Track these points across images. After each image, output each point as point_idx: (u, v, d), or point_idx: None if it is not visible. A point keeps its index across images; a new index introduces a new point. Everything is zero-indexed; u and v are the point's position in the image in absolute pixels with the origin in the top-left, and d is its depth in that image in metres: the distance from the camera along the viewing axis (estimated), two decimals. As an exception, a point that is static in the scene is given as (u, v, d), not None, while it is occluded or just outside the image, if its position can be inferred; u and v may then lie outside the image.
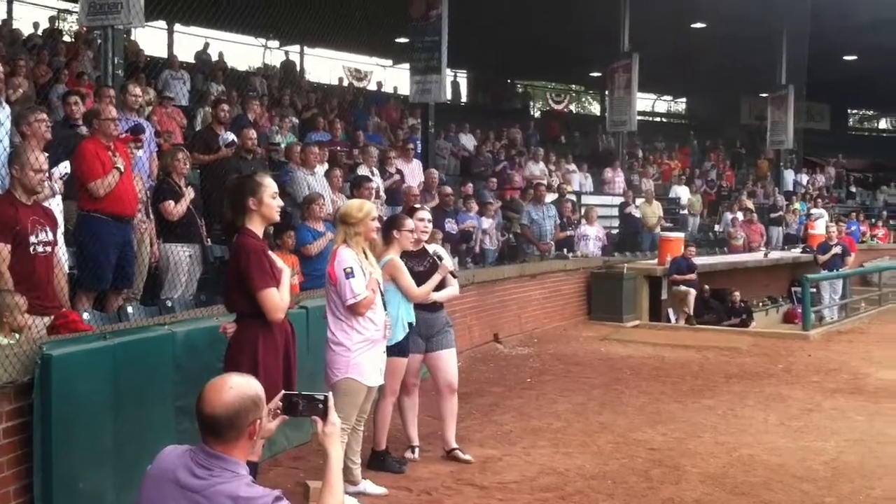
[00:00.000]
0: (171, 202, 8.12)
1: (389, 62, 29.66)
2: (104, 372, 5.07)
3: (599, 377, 10.28)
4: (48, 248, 5.89)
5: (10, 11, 20.01)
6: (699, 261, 16.18)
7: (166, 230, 8.18)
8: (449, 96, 20.72)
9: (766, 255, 19.56)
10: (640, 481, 6.49)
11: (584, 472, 6.67)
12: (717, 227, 22.64)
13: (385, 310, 5.89)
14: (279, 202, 5.05)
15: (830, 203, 27.22)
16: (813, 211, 23.48)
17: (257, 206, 4.91)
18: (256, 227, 4.95)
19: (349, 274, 5.58)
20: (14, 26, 16.91)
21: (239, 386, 2.94)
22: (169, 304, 7.61)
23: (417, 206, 7.51)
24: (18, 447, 4.70)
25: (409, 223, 6.45)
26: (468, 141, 20.45)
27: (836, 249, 17.70)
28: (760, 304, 18.55)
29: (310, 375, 6.20)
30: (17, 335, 5.23)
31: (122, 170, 7.22)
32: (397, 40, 21.81)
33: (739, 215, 21.36)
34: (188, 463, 2.90)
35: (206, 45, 22.89)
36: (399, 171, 13.08)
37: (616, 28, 20.93)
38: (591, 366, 11.02)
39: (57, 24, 20.43)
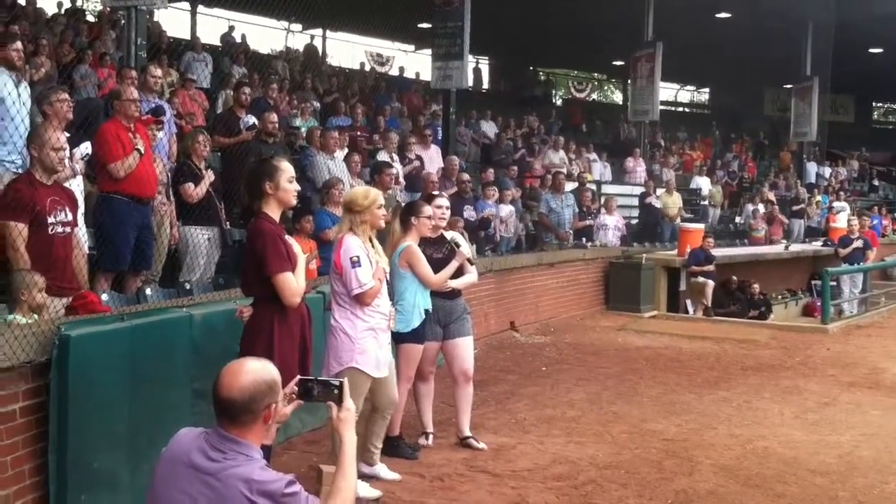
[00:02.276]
0: (191, 185, 8.16)
1: (412, 47, 29.62)
2: (121, 353, 5.09)
3: (615, 367, 10.28)
4: (67, 229, 5.92)
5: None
6: (718, 252, 16.12)
7: (186, 213, 8.21)
8: (471, 83, 20.68)
9: (786, 247, 19.48)
10: (653, 472, 6.49)
11: (597, 461, 6.67)
12: (738, 219, 22.53)
13: (392, 299, 5.87)
14: (296, 186, 5.04)
15: (853, 196, 27.02)
16: (835, 204, 23.32)
17: (274, 190, 4.91)
18: (273, 211, 4.95)
19: (355, 263, 5.53)
20: (38, 5, 16.93)
21: (255, 370, 2.96)
22: (187, 286, 7.64)
23: (436, 192, 7.49)
24: (34, 426, 4.73)
25: (428, 210, 6.43)
26: (489, 128, 20.42)
27: (858, 243, 17.55)
28: (780, 296, 18.47)
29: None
30: (35, 315, 5.27)
31: (143, 151, 7.23)
32: (420, 25, 21.80)
33: (761, 207, 21.24)
34: (203, 445, 2.92)
35: (232, 28, 22.93)
36: (419, 157, 13.07)
37: (640, 16, 20.84)
38: (606, 356, 11.01)
39: (81, 3, 20.50)
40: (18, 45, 7.39)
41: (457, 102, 16.31)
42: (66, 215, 5.91)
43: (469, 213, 12.62)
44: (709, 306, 15.30)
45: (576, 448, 6.99)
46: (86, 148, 7.30)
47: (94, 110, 8.18)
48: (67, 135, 6.72)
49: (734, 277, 16.39)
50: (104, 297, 6.49)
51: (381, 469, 6.07)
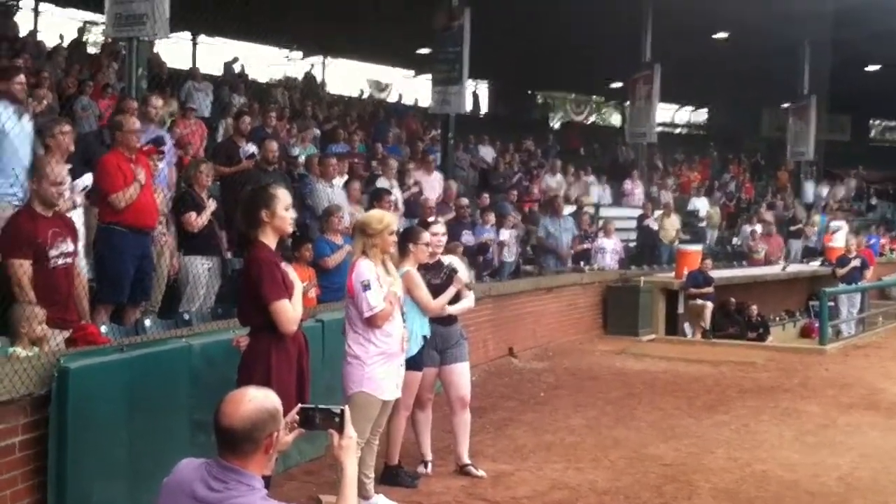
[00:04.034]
0: (194, 214, 8.18)
1: (411, 73, 29.78)
2: (121, 384, 5.12)
3: (613, 392, 10.29)
4: (68, 259, 5.96)
5: (35, 23, 20.22)
6: (716, 274, 16.12)
7: (186, 242, 8.25)
8: (469, 107, 20.78)
9: (784, 268, 19.48)
10: (652, 497, 6.50)
11: (596, 487, 6.68)
12: (735, 240, 22.55)
13: (403, 323, 5.94)
14: (292, 214, 5.07)
15: (851, 215, 27.04)
16: (832, 223, 23.30)
17: (270, 218, 4.91)
18: (269, 240, 4.95)
19: (366, 286, 5.60)
20: (38, 38, 17.07)
21: (257, 399, 2.95)
22: (186, 316, 7.65)
23: (432, 219, 7.54)
24: (33, 460, 4.74)
25: (426, 236, 6.46)
26: (487, 153, 20.50)
27: (856, 262, 17.59)
28: (778, 318, 18.46)
29: (326, 389, 6.24)
30: (35, 348, 5.30)
31: (143, 182, 7.28)
32: (419, 51, 21.95)
33: (758, 228, 21.27)
34: (204, 476, 2.92)
35: (235, 59, 23.02)
36: (417, 183, 13.13)
37: (637, 38, 20.94)
38: (605, 380, 11.02)
39: (84, 36, 20.64)
40: (21, 77, 7.44)
41: (455, 127, 16.38)
42: (67, 245, 5.94)
43: (467, 237, 12.66)
44: (707, 329, 15.30)
45: (575, 474, 7.00)
46: (87, 179, 7.36)
47: (91, 143, 8.23)
48: (69, 166, 6.79)
49: (732, 299, 16.41)
50: (103, 328, 6.51)
51: (381, 499, 6.06)
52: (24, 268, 5.62)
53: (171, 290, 8.23)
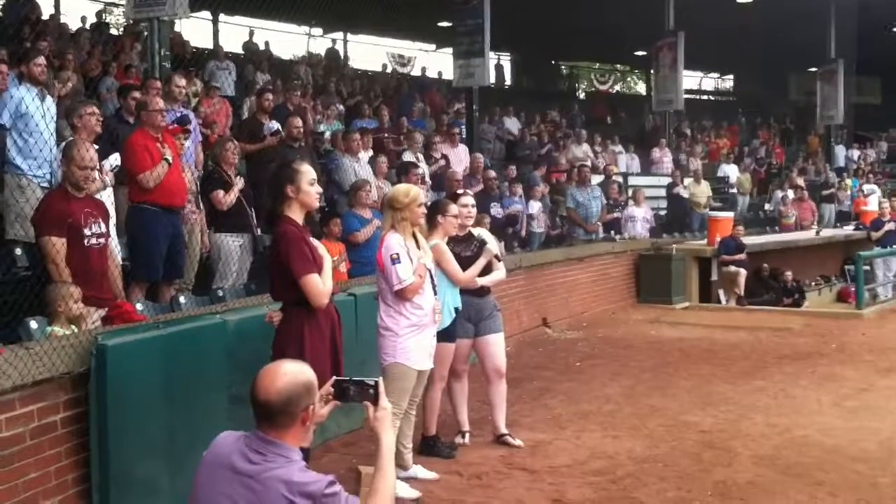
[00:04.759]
0: (221, 192, 8.21)
1: (433, 47, 29.64)
2: (158, 361, 5.15)
3: (649, 360, 10.22)
4: (101, 240, 6.00)
5: (57, 6, 20.24)
6: (749, 240, 15.99)
7: (217, 220, 8.28)
8: (493, 80, 20.65)
9: (817, 233, 19.28)
10: (691, 464, 6.45)
11: (634, 455, 6.64)
12: (767, 206, 22.34)
13: (435, 295, 5.92)
14: (318, 189, 5.07)
15: (883, 178, 26.72)
16: (865, 187, 23.08)
17: (295, 194, 4.94)
18: (296, 215, 4.98)
19: (395, 260, 5.63)
20: (61, 20, 17.10)
21: (292, 372, 2.98)
22: (220, 293, 7.69)
23: (461, 191, 7.51)
24: (75, 437, 4.79)
25: (454, 208, 6.44)
26: (513, 125, 20.39)
27: (890, 226, 17.41)
28: (813, 283, 18.31)
29: (360, 362, 6.25)
30: (73, 327, 5.33)
31: (171, 161, 7.30)
32: (440, 24, 21.81)
33: (790, 193, 21.06)
34: (243, 448, 2.95)
35: (252, 34, 23.03)
36: (444, 157, 13.08)
37: (660, 6, 20.72)
38: (640, 349, 10.95)
39: (104, 17, 20.68)
40: (42, 59, 7.49)
41: (479, 100, 16.30)
42: (99, 227, 5.98)
43: (496, 210, 12.63)
44: (742, 296, 15.18)
45: (613, 442, 6.96)
46: (115, 160, 7.38)
47: (111, 122, 8.24)
48: (97, 147, 6.80)
49: (766, 265, 16.29)
50: (139, 306, 6.55)
51: (419, 469, 6.09)
52: (57, 246, 5.65)
53: (204, 267, 8.28)
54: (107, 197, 6.97)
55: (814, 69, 27.14)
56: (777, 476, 6.19)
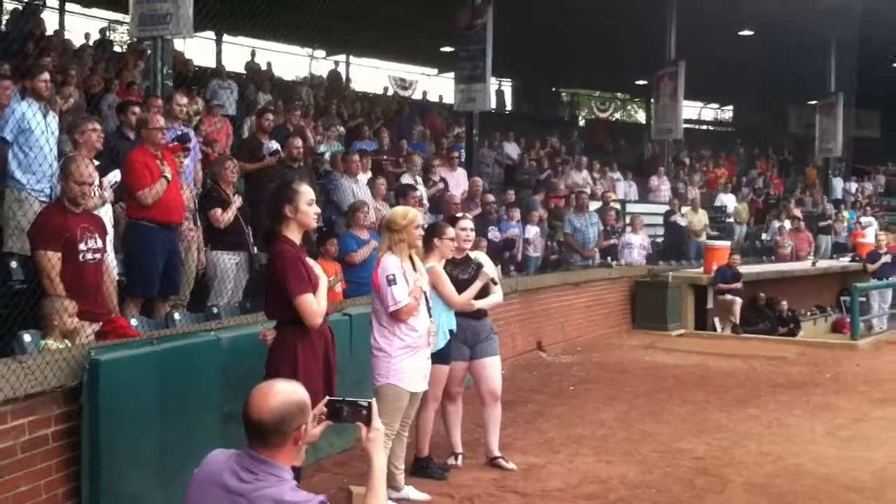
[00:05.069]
0: (219, 210, 8.25)
1: (435, 71, 29.78)
2: (151, 376, 5.16)
3: (643, 386, 10.22)
4: (97, 255, 6.01)
5: (61, 22, 20.37)
6: (745, 269, 16.03)
7: (213, 238, 8.30)
8: (493, 105, 20.75)
9: (814, 263, 19.33)
10: (683, 490, 6.44)
11: (627, 480, 6.64)
12: (764, 236, 22.38)
13: (430, 317, 5.93)
14: (316, 209, 5.10)
15: (880, 211, 26.80)
16: (862, 219, 23.15)
17: (294, 214, 4.97)
18: (293, 234, 5.01)
19: (391, 281, 5.65)
20: (65, 37, 17.18)
21: (285, 392, 2.97)
22: (215, 310, 7.71)
23: (459, 214, 7.54)
24: (67, 451, 4.79)
25: (450, 231, 6.47)
26: (512, 150, 20.47)
27: (886, 258, 17.44)
28: (809, 313, 18.33)
29: (354, 383, 6.23)
30: (67, 341, 5.33)
31: (170, 178, 7.33)
32: (442, 49, 21.93)
33: (787, 223, 21.12)
34: (234, 467, 2.94)
35: (254, 54, 23.14)
36: (443, 180, 13.13)
37: (662, 35, 20.85)
38: (634, 374, 10.95)
39: (108, 34, 20.78)
40: (46, 75, 7.52)
41: (480, 124, 16.38)
42: (95, 242, 5.99)
43: (493, 233, 12.65)
44: (737, 324, 15.20)
45: (606, 467, 6.95)
46: (115, 176, 7.41)
47: (112, 139, 8.27)
48: (97, 163, 6.83)
49: (762, 294, 16.31)
50: (133, 321, 6.56)
51: (411, 490, 6.08)
52: (53, 260, 5.66)
53: (199, 284, 8.29)
54: (105, 213, 6.99)
55: (813, 102, 27.27)
56: (769, 504, 6.19)
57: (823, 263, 19.76)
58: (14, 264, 6.67)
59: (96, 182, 6.60)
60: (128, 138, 8.51)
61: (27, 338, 5.38)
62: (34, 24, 14.93)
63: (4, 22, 14.77)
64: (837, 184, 27.12)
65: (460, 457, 6.90)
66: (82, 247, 5.86)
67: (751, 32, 23.92)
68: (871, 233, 20.53)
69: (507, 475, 6.68)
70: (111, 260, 6.74)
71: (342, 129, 16.33)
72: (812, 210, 23.94)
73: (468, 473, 6.70)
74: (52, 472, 4.71)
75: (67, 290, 5.63)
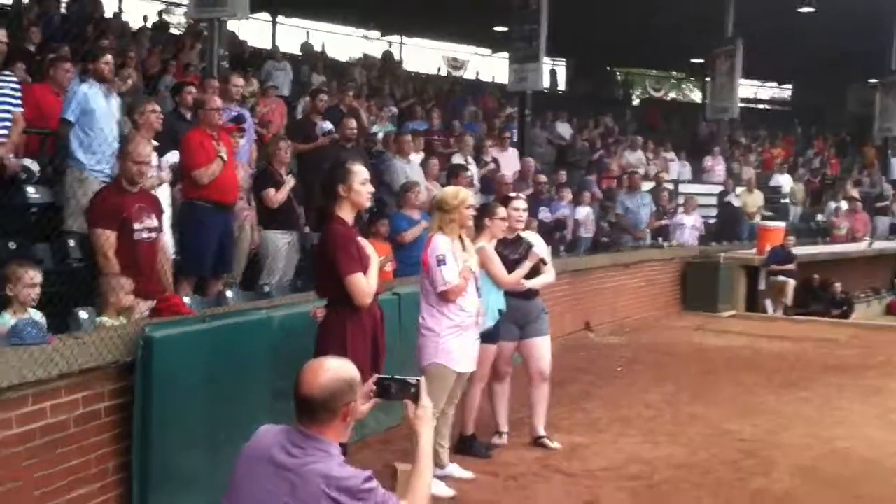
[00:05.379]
0: (272, 190, 8.34)
1: (489, 51, 29.70)
2: (203, 354, 5.25)
3: (692, 367, 10.20)
4: (153, 235, 6.14)
5: (119, 5, 20.66)
6: (799, 251, 15.83)
7: (266, 217, 8.41)
8: (547, 85, 20.66)
9: (869, 244, 19.03)
10: (729, 472, 6.46)
11: (672, 461, 6.66)
12: (819, 217, 22.06)
13: (479, 297, 5.98)
14: (369, 188, 5.16)
15: (941, 192, 26.23)
16: (920, 200, 22.70)
17: (347, 193, 5.04)
18: (346, 214, 5.07)
19: (441, 261, 5.70)
20: (123, 19, 17.45)
21: (335, 369, 3.03)
22: (267, 289, 7.81)
23: (513, 194, 7.57)
24: (118, 426, 4.90)
25: (502, 211, 6.51)
26: (565, 130, 20.38)
27: (944, 239, 17.14)
28: (863, 295, 18.07)
29: (401, 362, 6.28)
30: (122, 318, 5.47)
31: (225, 159, 7.45)
32: (495, 29, 21.88)
33: (844, 204, 20.78)
34: (283, 442, 3.00)
35: (308, 35, 23.29)
36: (494, 160, 13.15)
37: (719, 13, 20.54)
38: (683, 356, 10.93)
39: (165, 17, 21.05)
40: (109, 58, 7.64)
41: (532, 104, 16.35)
42: (151, 221, 6.12)
43: (544, 214, 12.66)
44: (789, 306, 15.05)
45: (651, 448, 6.98)
46: (172, 156, 7.57)
47: (171, 119, 8.41)
48: (156, 143, 6.99)
49: (816, 276, 16.12)
50: (187, 299, 6.67)
51: (455, 468, 6.16)
52: (109, 239, 5.80)
53: (252, 263, 8.41)
54: (162, 192, 7.14)
55: (874, 80, 26.74)
56: (815, 488, 6.18)
57: (879, 245, 19.42)
58: (72, 243, 6.82)
59: (154, 162, 6.76)
60: (184, 119, 8.66)
61: (83, 315, 5.47)
62: (93, 7, 15.17)
63: (64, 5, 14.99)
64: None
65: (505, 435, 6.97)
66: (137, 225, 5.98)
67: (811, 9, 23.47)
68: (929, 214, 20.14)
69: (551, 454, 6.75)
70: (167, 239, 6.89)
71: (395, 109, 16.40)
72: (870, 191, 23.48)
73: (512, 452, 6.78)
74: (103, 446, 4.80)
75: (122, 268, 5.75)
